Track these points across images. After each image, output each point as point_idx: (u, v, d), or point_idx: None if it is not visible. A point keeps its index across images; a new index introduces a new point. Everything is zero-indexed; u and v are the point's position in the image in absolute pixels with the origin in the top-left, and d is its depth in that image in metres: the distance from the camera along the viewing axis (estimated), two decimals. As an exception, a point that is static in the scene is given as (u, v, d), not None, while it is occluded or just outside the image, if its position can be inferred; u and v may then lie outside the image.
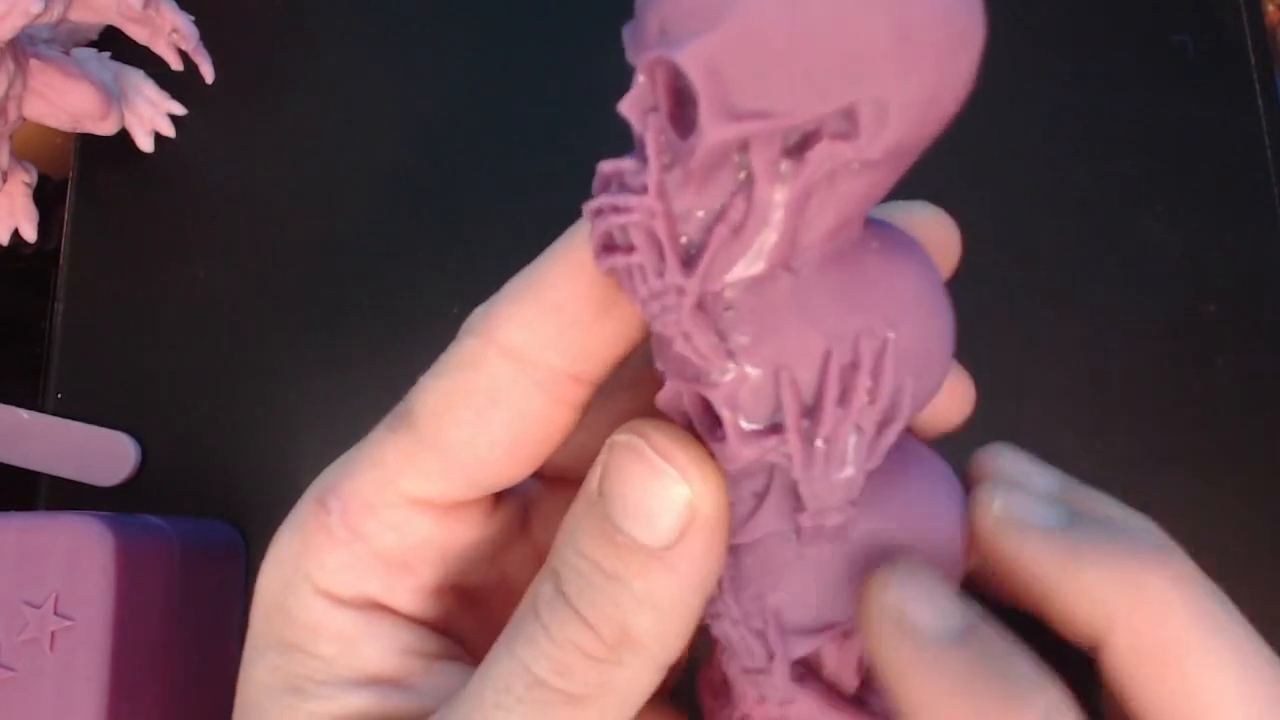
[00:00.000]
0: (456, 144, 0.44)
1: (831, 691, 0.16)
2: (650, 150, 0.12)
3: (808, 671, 0.16)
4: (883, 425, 0.14)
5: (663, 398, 0.15)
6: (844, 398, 0.13)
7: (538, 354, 0.15)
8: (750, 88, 0.11)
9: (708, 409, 0.14)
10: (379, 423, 0.17)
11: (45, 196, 0.44)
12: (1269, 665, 0.14)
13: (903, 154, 0.12)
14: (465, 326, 0.16)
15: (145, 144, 0.44)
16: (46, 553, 0.31)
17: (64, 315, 0.43)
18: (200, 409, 0.42)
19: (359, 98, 0.45)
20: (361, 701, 0.16)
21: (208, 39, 0.44)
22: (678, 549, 0.14)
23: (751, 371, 0.13)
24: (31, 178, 0.43)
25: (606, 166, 0.13)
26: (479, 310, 0.16)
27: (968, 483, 0.17)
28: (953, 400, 0.18)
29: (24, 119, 0.39)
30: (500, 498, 0.19)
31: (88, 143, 0.44)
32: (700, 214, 0.12)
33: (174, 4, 0.42)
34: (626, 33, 0.12)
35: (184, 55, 0.43)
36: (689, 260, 0.13)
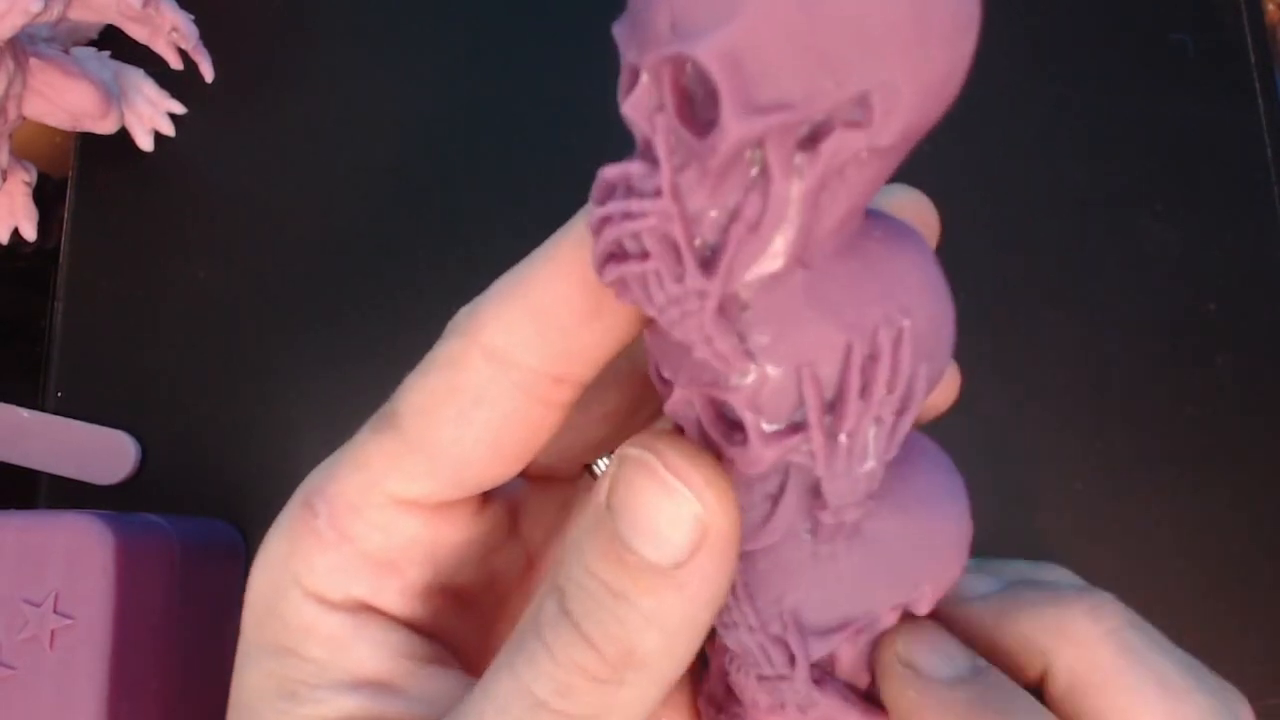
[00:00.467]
0: (456, 144, 0.44)
1: (849, 691, 0.17)
2: (661, 151, 0.12)
3: (824, 674, 0.16)
4: (899, 414, 0.14)
5: (672, 406, 0.14)
6: (865, 390, 0.13)
7: (519, 356, 0.15)
8: (770, 79, 0.11)
9: (721, 414, 0.14)
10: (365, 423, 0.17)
11: (45, 196, 0.44)
12: (1186, 683, 0.15)
13: (908, 140, 0.12)
14: (450, 326, 0.16)
15: (145, 143, 0.44)
16: (46, 551, 0.31)
17: (64, 314, 0.43)
18: (200, 408, 0.42)
19: (359, 98, 0.45)
20: (354, 705, 0.16)
21: (207, 38, 0.44)
22: (688, 567, 0.14)
23: (773, 371, 0.13)
24: (31, 177, 0.43)
25: (610, 172, 0.13)
26: (464, 310, 0.16)
27: None
28: (941, 387, 0.18)
29: (24, 118, 0.39)
30: (487, 498, 0.19)
31: (87, 142, 0.44)
32: (713, 214, 0.12)
33: (174, 3, 0.42)
34: (621, 31, 0.12)
35: (184, 54, 0.43)
36: (707, 262, 0.12)
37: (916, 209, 0.17)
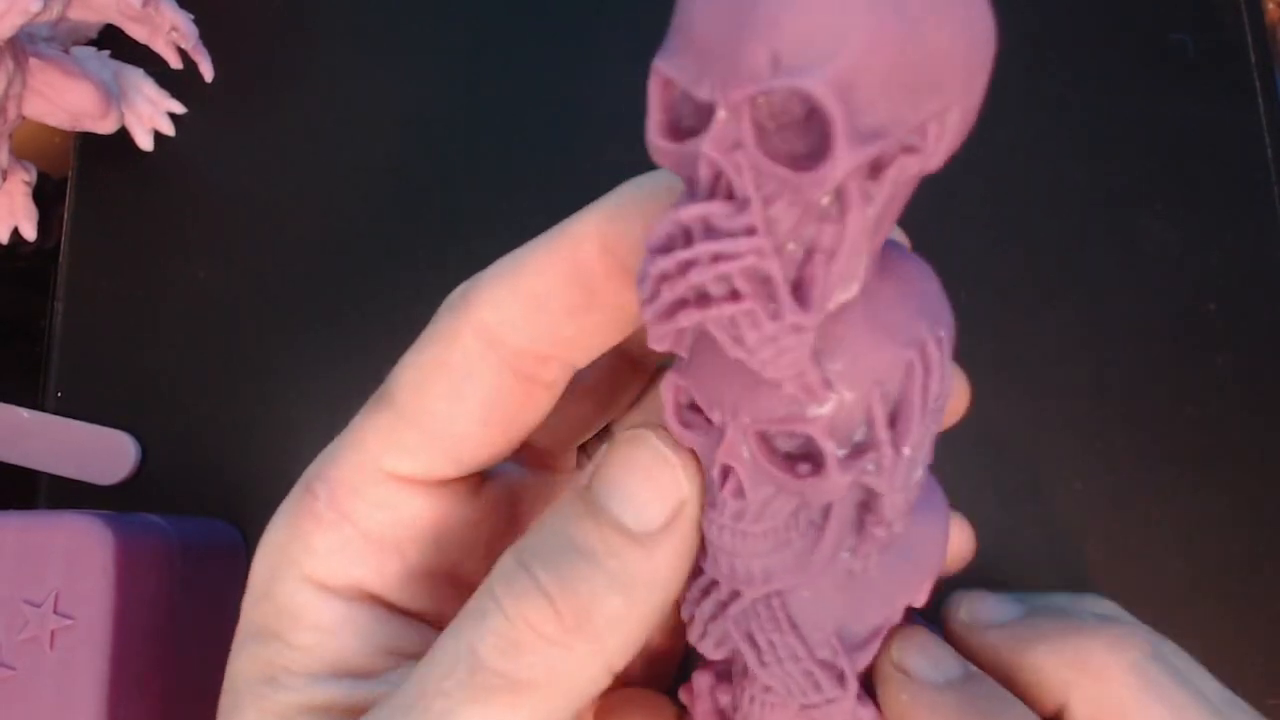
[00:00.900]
0: (456, 144, 0.44)
1: (874, 704, 0.17)
2: (750, 188, 0.12)
3: (861, 688, 0.17)
4: (939, 421, 0.14)
5: (725, 454, 0.14)
6: (923, 403, 0.14)
7: (508, 334, 0.16)
8: (869, 109, 0.11)
9: (775, 450, 0.14)
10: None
11: (45, 195, 0.44)
12: (1202, 714, 0.15)
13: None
14: (445, 303, 0.16)
15: (145, 143, 0.44)
16: (46, 551, 0.31)
17: (64, 314, 0.43)
18: (200, 408, 0.42)
19: (359, 97, 0.45)
20: (332, 694, 0.16)
21: (207, 38, 0.44)
22: (657, 538, 0.14)
23: (848, 396, 0.13)
24: (31, 176, 0.43)
25: (685, 215, 0.12)
26: (459, 289, 0.16)
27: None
28: (955, 397, 0.18)
29: (23, 117, 0.39)
30: (486, 481, 0.19)
31: (87, 141, 0.44)
32: (791, 247, 0.12)
33: (173, 2, 0.42)
34: (683, 66, 0.12)
35: (183, 54, 0.43)
36: (802, 297, 0.12)
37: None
